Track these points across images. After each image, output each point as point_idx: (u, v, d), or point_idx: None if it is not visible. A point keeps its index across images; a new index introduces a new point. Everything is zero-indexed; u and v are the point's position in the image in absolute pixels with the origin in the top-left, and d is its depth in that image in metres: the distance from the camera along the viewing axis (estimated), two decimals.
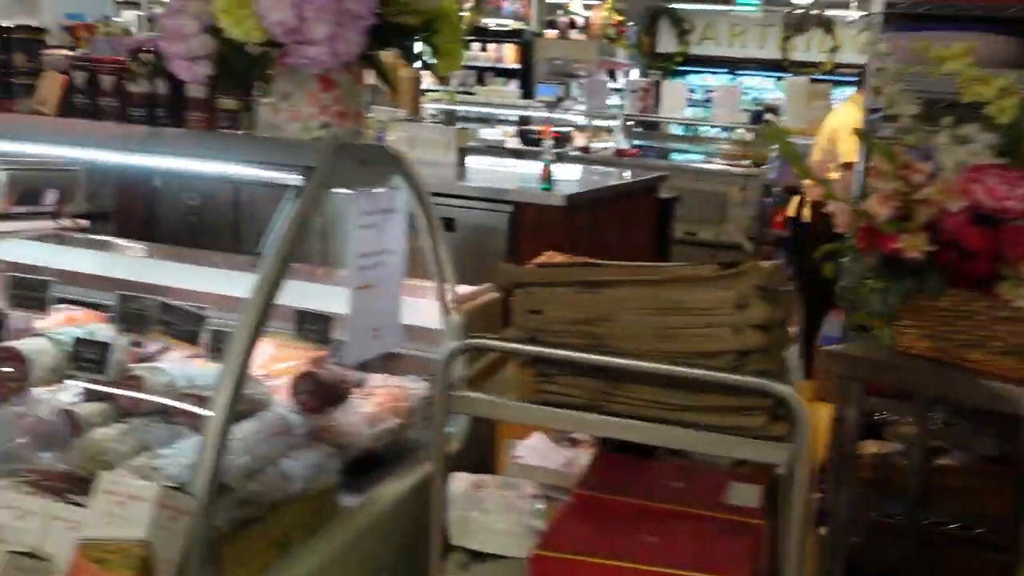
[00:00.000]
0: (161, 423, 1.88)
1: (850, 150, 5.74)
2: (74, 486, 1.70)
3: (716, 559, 1.86)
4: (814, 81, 8.87)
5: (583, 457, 2.45)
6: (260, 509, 1.80)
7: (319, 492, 1.98)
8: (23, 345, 1.90)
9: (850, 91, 8.23)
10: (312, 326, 2.07)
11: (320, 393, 2.00)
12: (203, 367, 2.02)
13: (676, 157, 9.64)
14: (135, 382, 1.85)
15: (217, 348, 1.87)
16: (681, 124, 9.53)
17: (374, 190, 2.03)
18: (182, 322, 1.84)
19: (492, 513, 2.02)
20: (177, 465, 1.68)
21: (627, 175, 6.37)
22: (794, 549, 1.70)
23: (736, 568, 1.82)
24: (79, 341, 1.85)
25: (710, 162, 9.14)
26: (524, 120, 9.49)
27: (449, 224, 4.98)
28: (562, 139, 8.59)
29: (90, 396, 1.88)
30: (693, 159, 9.47)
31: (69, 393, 1.90)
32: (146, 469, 1.68)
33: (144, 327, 1.91)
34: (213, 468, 1.60)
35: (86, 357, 1.82)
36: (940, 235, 2.18)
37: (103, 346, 1.82)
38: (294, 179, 1.82)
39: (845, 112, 5.90)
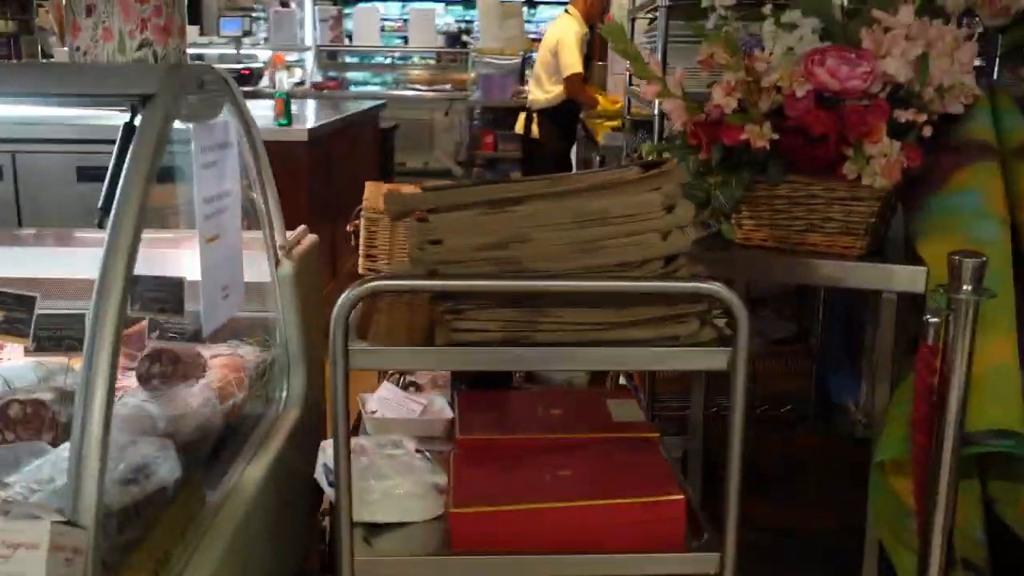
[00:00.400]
0: None
1: (573, 61, 5.84)
2: None
3: (639, 480, 1.76)
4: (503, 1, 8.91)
5: (437, 401, 2.26)
6: (138, 527, 1.45)
7: (187, 491, 1.65)
8: None
9: (547, 9, 8.37)
10: (155, 294, 1.68)
11: (176, 373, 1.64)
12: (11, 364, 1.60)
13: (358, 88, 9.38)
14: None
15: (49, 338, 1.46)
16: (378, 53, 9.25)
17: (211, 121, 1.67)
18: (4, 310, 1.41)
19: (390, 478, 1.78)
20: (42, 493, 1.29)
21: (345, 107, 6.06)
22: (736, 454, 1.63)
23: (662, 483, 1.74)
24: None
25: (412, 89, 8.99)
26: (199, 58, 8.81)
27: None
28: (251, 75, 8.08)
29: None
30: (381, 89, 9.25)
31: None
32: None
33: None
34: (99, 488, 1.24)
35: None
36: (784, 122, 2.18)
37: None
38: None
39: (564, 25, 5.97)
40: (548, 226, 1.60)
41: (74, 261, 2.20)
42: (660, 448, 1.91)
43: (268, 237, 2.07)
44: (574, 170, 6.22)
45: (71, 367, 1.64)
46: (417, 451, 1.90)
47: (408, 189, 1.73)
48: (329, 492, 1.85)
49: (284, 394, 2.18)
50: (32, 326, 1.42)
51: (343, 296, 1.56)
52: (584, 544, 1.68)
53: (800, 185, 2.28)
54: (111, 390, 1.27)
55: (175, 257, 1.84)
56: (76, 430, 1.26)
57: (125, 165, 1.43)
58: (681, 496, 1.69)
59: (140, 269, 1.88)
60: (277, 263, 2.10)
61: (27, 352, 1.50)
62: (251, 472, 1.87)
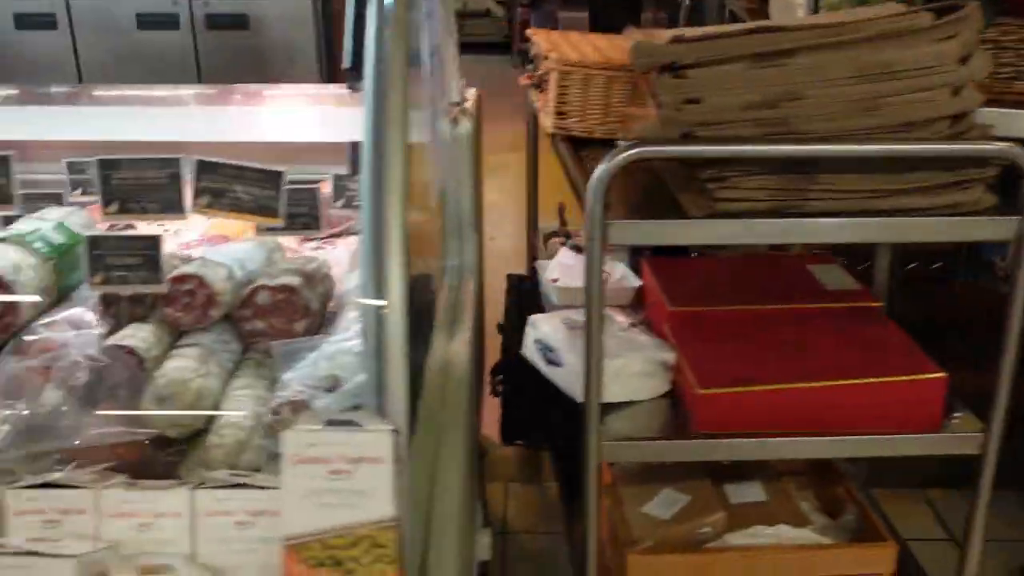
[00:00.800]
0: (229, 336, 1.32)
1: None
2: (181, 459, 1.16)
3: (887, 356, 1.64)
4: None
5: (618, 267, 2.12)
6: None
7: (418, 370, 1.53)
8: None
9: None
10: None
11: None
12: (231, 246, 1.45)
13: None
14: (196, 283, 1.26)
15: (293, 215, 1.30)
16: None
17: None
18: (247, 184, 1.24)
19: (619, 356, 1.65)
20: (333, 395, 1.16)
21: None
22: (1015, 329, 1.50)
23: (915, 359, 1.62)
24: (98, 240, 1.20)
25: None
26: None
27: (241, 20, 4.22)
28: None
29: (115, 319, 1.27)
30: None
31: (69, 322, 1.26)
32: (282, 409, 1.16)
33: (165, 200, 1.28)
34: (406, 387, 1.11)
35: (117, 263, 1.19)
36: None
37: (149, 241, 1.19)
38: None
39: None
40: (825, 81, 1.42)
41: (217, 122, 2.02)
42: (888, 318, 1.79)
43: (444, 94, 1.87)
44: (645, 7, 5.89)
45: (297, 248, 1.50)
46: (632, 325, 1.78)
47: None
48: (546, 371, 1.74)
49: (458, 263, 2.04)
50: (283, 203, 1.25)
51: (601, 166, 1.40)
52: (833, 425, 1.58)
53: (1012, 28, 2.07)
54: (407, 266, 1.13)
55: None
56: (371, 323, 1.12)
57: (373, 17, 1.24)
58: (943, 374, 1.57)
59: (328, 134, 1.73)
60: (456, 124, 1.92)
61: (259, 232, 1.34)
62: (455, 347, 1.75)
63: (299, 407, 1.15)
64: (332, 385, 1.19)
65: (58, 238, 1.32)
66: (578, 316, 1.79)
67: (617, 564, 1.73)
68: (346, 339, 1.23)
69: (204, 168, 1.25)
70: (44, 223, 1.34)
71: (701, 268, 2.05)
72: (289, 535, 0.99)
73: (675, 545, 1.72)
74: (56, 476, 1.04)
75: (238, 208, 1.26)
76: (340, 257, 1.68)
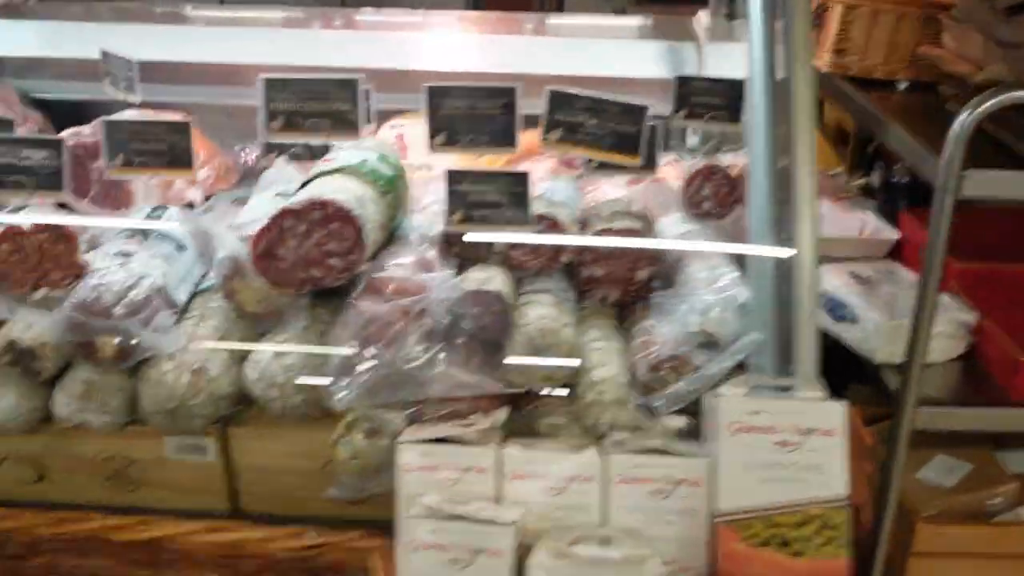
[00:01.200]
0: (565, 283, 1.22)
1: None
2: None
3: None
4: None
5: (871, 217, 1.97)
6: None
7: None
8: (336, 195, 1.12)
9: None
10: (705, 98, 1.37)
11: (730, 195, 1.38)
12: (547, 183, 1.34)
13: None
14: (548, 224, 1.16)
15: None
16: None
17: None
18: (605, 119, 1.12)
19: None
20: (722, 358, 1.06)
21: None
22: None
23: None
24: (460, 175, 1.10)
25: None
26: None
27: None
28: None
29: (457, 259, 1.18)
30: None
31: (406, 261, 1.17)
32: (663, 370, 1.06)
33: (495, 133, 1.17)
34: (817, 341, 1.02)
35: (479, 200, 1.09)
36: None
37: (517, 177, 1.09)
38: None
39: None
40: None
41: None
42: None
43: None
44: None
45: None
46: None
47: None
48: (832, 326, 1.62)
49: None
50: (644, 141, 1.14)
51: (965, 114, 1.26)
52: None
53: None
54: (816, 223, 1.03)
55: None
56: (767, 278, 1.02)
57: None
58: None
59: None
60: None
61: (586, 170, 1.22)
62: None
63: (681, 365, 1.05)
64: (706, 341, 1.09)
65: (387, 171, 1.23)
66: (866, 269, 1.67)
67: (897, 530, 1.63)
68: (716, 292, 1.12)
69: (557, 100, 1.14)
70: (367, 153, 1.24)
71: (968, 222, 1.89)
72: (724, 510, 0.90)
73: (962, 515, 1.61)
74: (455, 432, 0.96)
75: (592, 144, 1.15)
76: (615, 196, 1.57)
